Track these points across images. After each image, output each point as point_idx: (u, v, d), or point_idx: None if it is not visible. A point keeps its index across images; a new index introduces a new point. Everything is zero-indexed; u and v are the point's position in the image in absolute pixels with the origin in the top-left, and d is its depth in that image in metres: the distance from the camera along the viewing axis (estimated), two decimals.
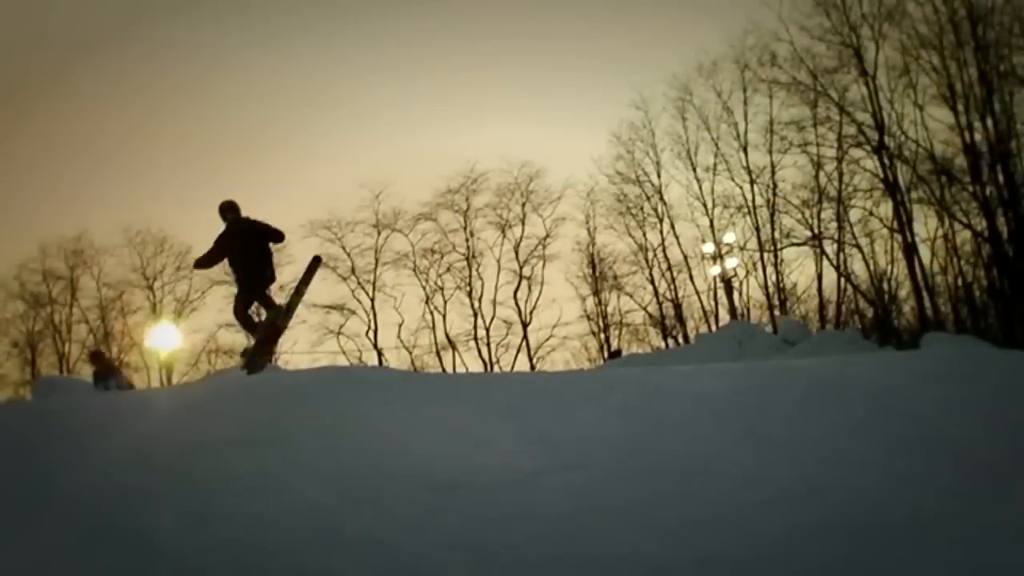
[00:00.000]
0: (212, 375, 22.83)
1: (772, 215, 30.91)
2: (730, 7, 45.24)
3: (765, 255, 31.19)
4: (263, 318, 9.23)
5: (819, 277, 30.48)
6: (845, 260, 30.20)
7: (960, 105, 26.19)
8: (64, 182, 46.95)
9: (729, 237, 30.83)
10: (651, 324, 34.68)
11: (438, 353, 34.41)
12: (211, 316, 35.10)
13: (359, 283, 34.60)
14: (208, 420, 5.15)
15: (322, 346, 33.58)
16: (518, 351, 34.34)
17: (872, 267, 29.92)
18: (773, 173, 30.72)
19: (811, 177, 29.91)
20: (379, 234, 34.69)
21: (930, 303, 27.58)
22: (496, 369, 33.21)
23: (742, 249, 31.58)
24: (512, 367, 33.32)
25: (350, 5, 48.59)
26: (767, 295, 31.34)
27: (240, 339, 34.48)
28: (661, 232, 33.38)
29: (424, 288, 34.80)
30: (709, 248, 31.10)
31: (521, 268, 34.91)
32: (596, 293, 35.09)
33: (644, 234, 33.79)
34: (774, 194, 30.83)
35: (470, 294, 34.82)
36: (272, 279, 9.21)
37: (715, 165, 32.02)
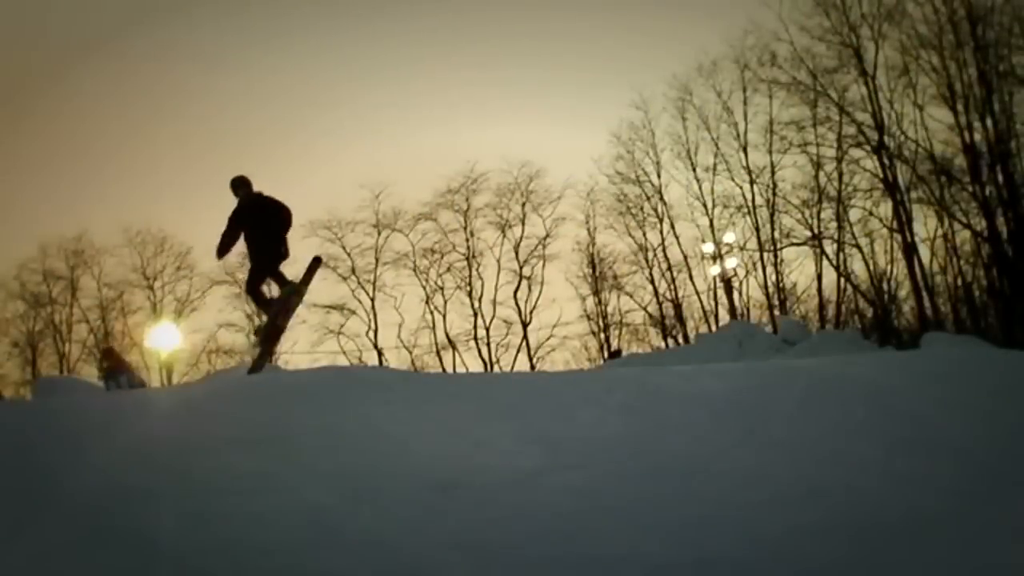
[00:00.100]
0: (212, 375, 22.86)
1: (772, 215, 30.97)
2: (730, 7, 45.32)
3: (765, 255, 31.26)
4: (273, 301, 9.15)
5: (819, 277, 30.56)
6: (845, 260, 30.26)
7: (960, 105, 26.21)
8: (64, 182, 47.01)
9: (729, 237, 30.89)
10: (651, 324, 34.75)
11: (438, 353, 34.47)
12: (211, 316, 35.22)
13: (359, 283, 34.69)
14: (208, 420, 5.15)
15: (322, 346, 33.65)
16: (518, 351, 34.42)
17: (872, 267, 29.98)
18: (773, 173, 30.81)
19: (811, 177, 30.00)
20: (379, 234, 34.79)
21: (930, 303, 27.59)
22: (496, 369, 33.24)
23: (742, 249, 31.64)
24: (512, 367, 33.38)
25: (350, 5, 48.63)
26: (767, 295, 31.39)
27: (240, 339, 34.60)
28: (661, 232, 33.47)
29: (424, 288, 34.88)
30: (709, 248, 31.14)
31: (521, 268, 34.99)
32: (596, 293, 35.15)
33: (644, 234, 33.89)
34: (774, 194, 30.91)
35: (470, 294, 34.89)
36: (286, 255, 9.04)
37: (715, 165, 32.11)
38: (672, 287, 33.65)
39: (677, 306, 33.69)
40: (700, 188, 32.32)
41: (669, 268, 33.51)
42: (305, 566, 3.61)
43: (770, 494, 4.52)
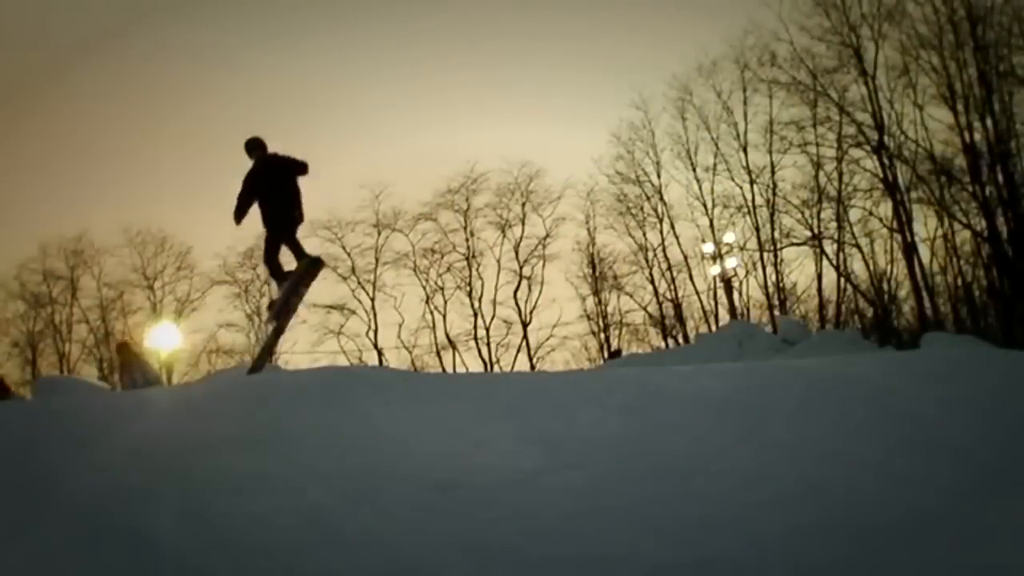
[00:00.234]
0: (212, 375, 22.86)
1: (772, 215, 30.98)
2: (730, 7, 45.29)
3: (765, 255, 31.28)
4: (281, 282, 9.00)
5: (819, 277, 30.57)
6: (845, 260, 30.28)
7: (960, 105, 26.23)
8: (64, 182, 47.00)
9: (729, 237, 30.90)
10: (651, 324, 34.76)
11: (438, 353, 34.48)
12: (211, 316, 35.24)
13: (359, 283, 34.69)
14: (208, 420, 5.15)
15: (322, 346, 33.66)
16: (518, 351, 34.42)
17: (872, 267, 30.00)
18: (773, 173, 30.82)
19: (811, 177, 30.02)
20: (379, 234, 34.80)
21: (930, 303, 27.60)
22: (496, 369, 33.23)
23: (742, 249, 31.64)
24: (512, 367, 33.38)
25: (350, 5, 48.62)
26: (767, 295, 31.39)
27: (240, 339, 34.63)
28: (661, 232, 33.48)
29: (424, 288, 34.88)
30: (709, 248, 31.14)
31: (521, 268, 34.99)
32: (596, 293, 35.16)
33: (644, 234, 33.90)
34: (774, 194, 30.92)
35: (470, 294, 34.90)
36: (301, 219, 8.91)
37: (715, 165, 32.12)
38: (672, 287, 33.70)
39: (677, 306, 33.73)
40: (700, 188, 32.37)
41: (669, 268, 33.57)
42: (305, 566, 3.61)
43: (770, 494, 4.52)
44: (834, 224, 29.94)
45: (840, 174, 29.18)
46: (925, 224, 28.66)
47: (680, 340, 32.69)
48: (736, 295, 32.14)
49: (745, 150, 31.34)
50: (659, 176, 33.39)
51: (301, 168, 8.80)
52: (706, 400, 6.05)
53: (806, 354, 15.38)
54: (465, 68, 48.82)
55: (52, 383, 15.87)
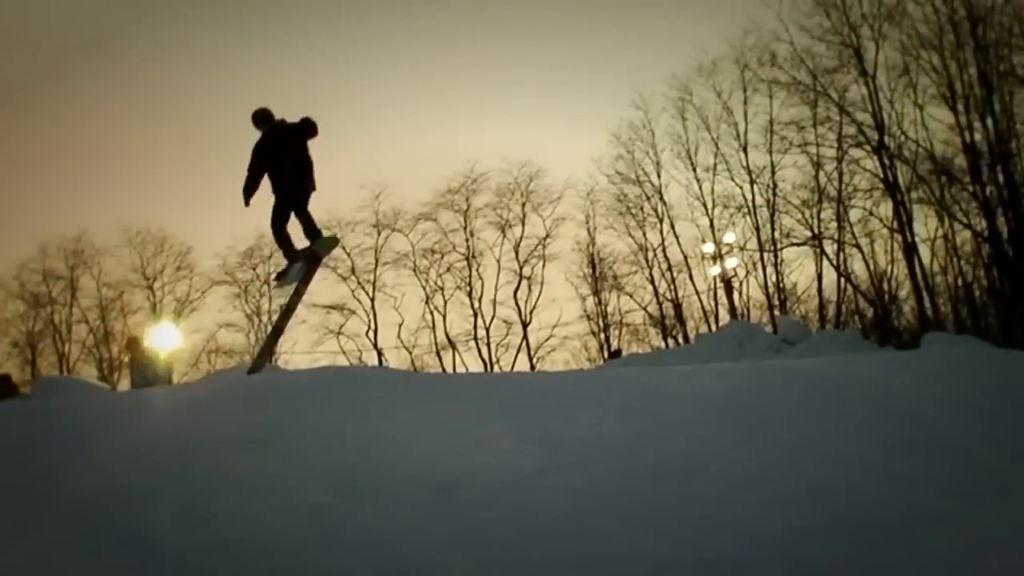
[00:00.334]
0: (212, 375, 22.85)
1: (772, 215, 30.97)
2: (730, 7, 45.35)
3: (765, 255, 31.27)
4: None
5: (819, 277, 30.57)
6: (845, 260, 30.28)
7: (960, 105, 26.23)
8: (64, 182, 47.02)
9: (729, 237, 30.88)
10: (651, 324, 34.76)
11: (438, 353, 34.48)
12: (211, 316, 35.28)
13: (359, 283, 34.69)
14: (208, 420, 5.15)
15: (322, 346, 33.66)
16: (518, 351, 34.43)
17: (872, 267, 29.99)
18: (773, 173, 30.82)
19: (811, 177, 30.01)
20: (379, 234, 34.80)
21: (930, 303, 27.61)
22: (496, 369, 33.23)
23: (742, 249, 31.64)
24: (512, 367, 33.39)
25: (350, 5, 48.63)
26: (767, 295, 31.39)
27: (240, 339, 34.63)
28: (661, 232, 33.48)
29: (424, 288, 34.89)
30: (709, 248, 31.13)
31: (521, 268, 34.99)
32: (596, 293, 35.16)
33: (644, 234, 33.90)
34: (774, 194, 30.91)
35: (470, 294, 34.90)
36: (312, 188, 8.57)
37: (715, 165, 32.12)
38: (672, 287, 33.70)
39: (677, 306, 33.72)
40: (700, 188, 32.37)
41: (669, 268, 33.57)
42: (305, 566, 3.61)
43: (770, 494, 4.52)
44: (834, 224, 29.97)
45: (840, 174, 29.20)
46: (925, 224, 28.72)
47: (680, 340, 32.69)
48: (736, 295, 32.18)
49: (745, 150, 31.37)
50: (659, 176, 33.44)
51: (310, 130, 8.48)
52: (706, 400, 6.05)
53: (806, 354, 15.39)
54: (465, 68, 48.90)
55: (52, 383, 15.88)
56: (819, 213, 30.11)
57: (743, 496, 4.49)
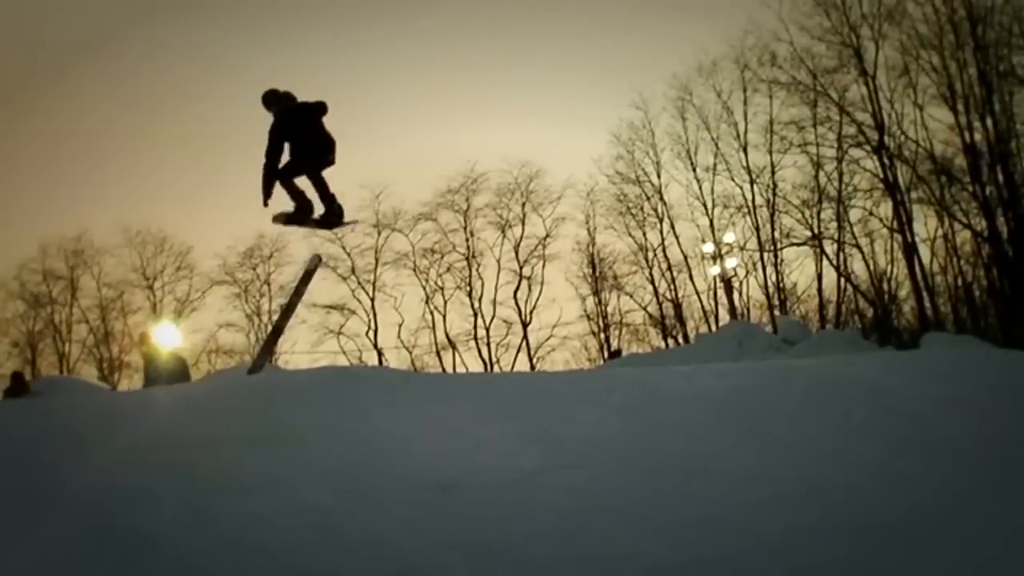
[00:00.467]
0: (212, 375, 22.85)
1: (772, 215, 31.00)
2: (730, 7, 45.32)
3: (765, 255, 31.29)
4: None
5: (819, 277, 30.59)
6: (845, 260, 30.31)
7: (960, 105, 26.26)
8: (64, 182, 47.01)
9: (729, 237, 30.88)
10: (651, 324, 34.76)
11: (438, 353, 34.48)
12: (211, 316, 35.28)
13: (359, 283, 34.67)
14: (208, 420, 5.15)
15: (322, 346, 33.65)
16: (518, 351, 34.43)
17: (872, 267, 30.02)
18: (773, 173, 30.84)
19: (811, 177, 30.04)
20: (379, 234, 34.78)
21: (930, 303, 27.63)
22: (496, 369, 33.23)
23: (742, 249, 31.65)
24: (512, 367, 33.38)
25: (350, 5, 48.61)
26: (767, 295, 31.41)
27: (240, 339, 34.61)
28: (661, 232, 33.48)
29: (424, 288, 34.89)
30: (709, 248, 31.13)
31: (521, 268, 35.00)
32: (596, 293, 35.15)
33: (644, 234, 33.91)
34: (774, 194, 30.94)
35: (470, 294, 34.90)
36: (333, 162, 8.33)
37: (715, 165, 32.14)
38: (672, 287, 33.70)
39: (677, 306, 33.72)
40: (700, 188, 32.38)
41: (669, 268, 33.58)
42: (305, 566, 3.61)
43: (770, 494, 4.52)
44: (834, 224, 30.00)
45: (840, 174, 29.22)
46: (925, 224, 28.75)
47: (680, 340, 32.69)
48: (736, 295, 32.19)
49: (745, 150, 31.39)
50: (659, 176, 33.44)
51: (322, 108, 8.33)
52: (706, 400, 6.05)
53: (806, 354, 15.39)
54: (465, 68, 48.85)
55: (52, 383, 15.88)
56: (819, 213, 30.16)
57: (743, 496, 4.49)
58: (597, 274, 35.11)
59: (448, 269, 35.06)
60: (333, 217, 8.54)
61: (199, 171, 47.06)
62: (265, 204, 8.18)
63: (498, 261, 35.04)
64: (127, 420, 5.17)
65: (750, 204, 31.25)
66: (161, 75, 47.72)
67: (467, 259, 35.10)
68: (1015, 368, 7.45)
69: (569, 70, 49.07)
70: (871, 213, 29.25)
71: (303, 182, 8.43)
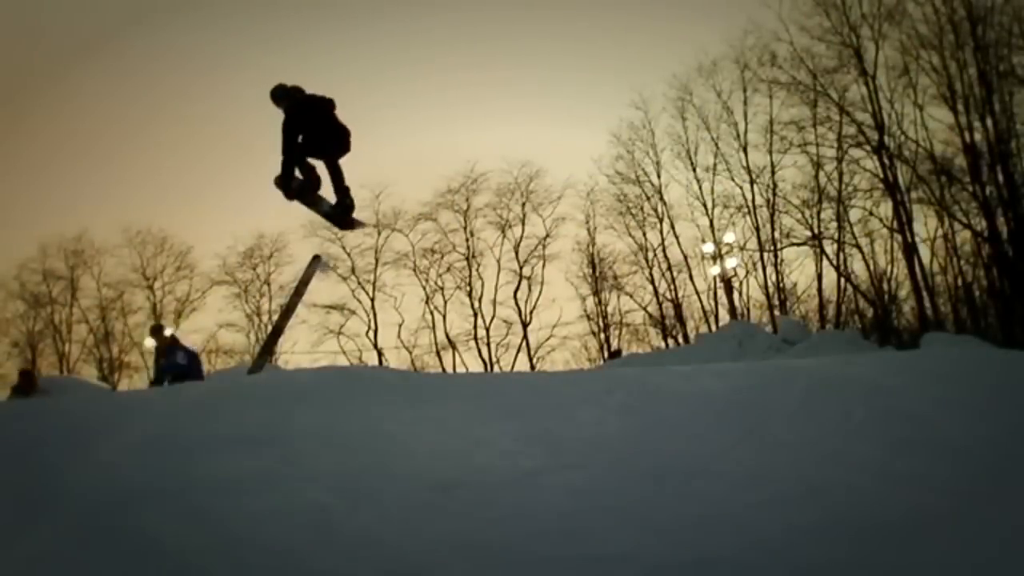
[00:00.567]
0: (212, 375, 22.84)
1: (772, 215, 30.99)
2: (730, 7, 45.15)
3: (765, 255, 31.29)
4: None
5: (819, 277, 30.59)
6: (845, 260, 30.30)
7: (960, 105, 26.26)
8: (64, 182, 47.00)
9: (729, 237, 30.88)
10: (651, 324, 34.75)
11: (438, 353, 34.49)
12: (211, 316, 35.29)
13: (359, 283, 34.68)
14: (209, 420, 5.15)
15: (322, 346, 33.66)
16: (518, 351, 34.43)
17: (872, 267, 30.02)
18: (773, 173, 30.84)
19: (811, 177, 30.04)
20: (379, 234, 34.76)
21: (930, 303, 27.62)
22: (496, 369, 33.23)
23: (742, 249, 31.64)
24: (512, 367, 33.38)
25: (350, 5, 48.60)
26: (767, 295, 31.40)
27: (240, 339, 34.62)
28: (661, 232, 33.48)
29: (424, 288, 34.90)
30: (709, 248, 31.13)
31: (521, 268, 35.00)
32: (596, 293, 35.15)
33: (644, 234, 33.90)
34: (774, 194, 30.94)
35: (470, 294, 34.91)
36: (348, 149, 8.19)
37: (715, 165, 32.13)
38: (672, 287, 33.69)
39: (677, 306, 33.72)
40: (700, 188, 32.37)
41: (669, 268, 33.56)
42: (305, 566, 3.61)
43: (770, 494, 4.52)
44: (834, 224, 29.99)
45: (840, 174, 29.22)
46: (925, 224, 28.74)
47: (680, 340, 32.69)
48: (736, 295, 32.18)
49: (745, 150, 31.38)
50: (659, 176, 33.43)
51: (331, 103, 8.27)
52: (706, 400, 6.05)
53: (806, 354, 15.39)
54: (465, 68, 48.74)
55: (52, 383, 15.87)
56: (819, 213, 30.15)
57: (743, 496, 4.49)
58: (597, 274, 35.13)
59: (448, 269, 35.11)
60: (343, 211, 8.46)
61: (199, 171, 47.12)
62: (288, 197, 8.13)
63: (498, 261, 35.09)
64: (127, 420, 5.17)
65: (750, 204, 31.28)
66: (161, 75, 47.74)
67: (467, 259, 35.13)
68: (1015, 368, 7.46)
69: (569, 70, 49.12)
70: (871, 213, 29.29)
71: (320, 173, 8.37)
